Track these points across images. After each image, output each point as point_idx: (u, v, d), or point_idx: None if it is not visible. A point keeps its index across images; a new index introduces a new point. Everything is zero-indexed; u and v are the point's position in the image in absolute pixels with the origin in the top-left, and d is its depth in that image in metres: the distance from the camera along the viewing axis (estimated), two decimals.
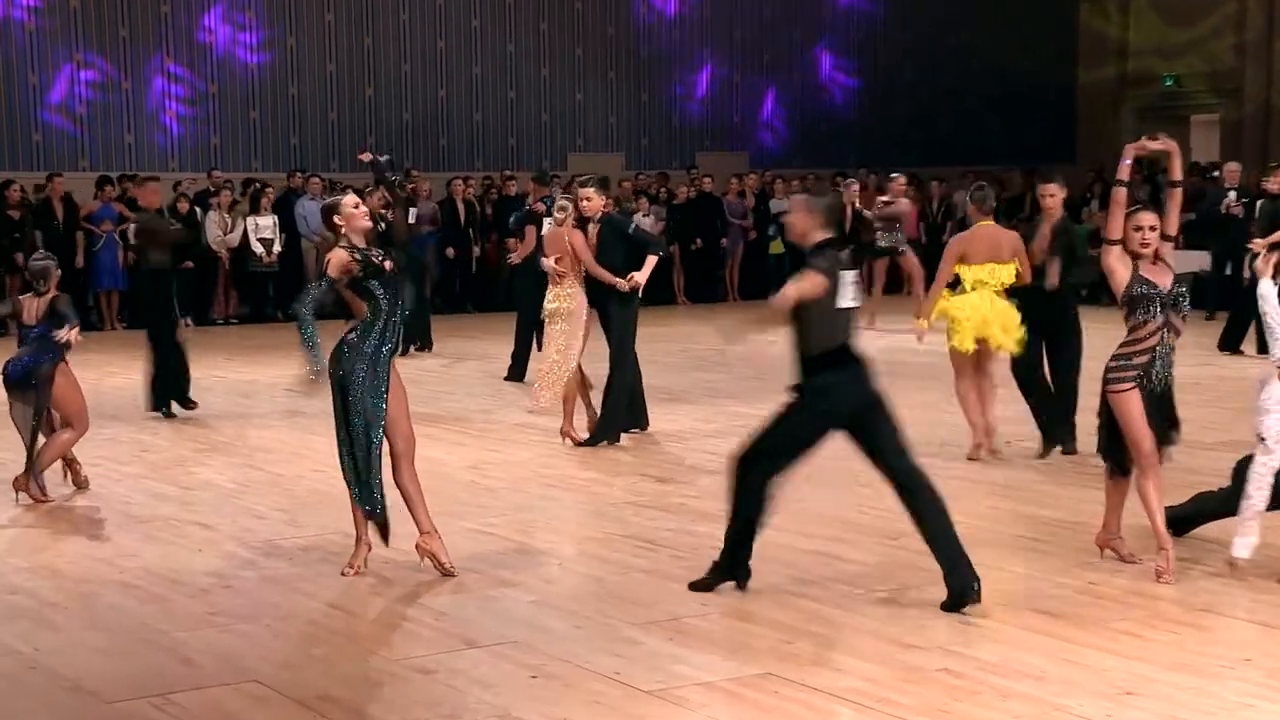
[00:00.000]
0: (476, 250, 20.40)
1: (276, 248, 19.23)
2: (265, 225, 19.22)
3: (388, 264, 6.82)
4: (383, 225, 6.99)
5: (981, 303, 9.38)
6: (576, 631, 6.05)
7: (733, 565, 6.55)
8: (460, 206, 20.22)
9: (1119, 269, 6.74)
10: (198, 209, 18.95)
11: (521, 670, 5.59)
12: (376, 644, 5.97)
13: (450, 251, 20.05)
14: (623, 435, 10.30)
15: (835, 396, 6.40)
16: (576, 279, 10.14)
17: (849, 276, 6.34)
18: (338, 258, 6.78)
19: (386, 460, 6.86)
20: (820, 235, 6.40)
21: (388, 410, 6.78)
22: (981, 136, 24.99)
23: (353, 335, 6.79)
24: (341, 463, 6.81)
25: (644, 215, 20.70)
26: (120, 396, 12.26)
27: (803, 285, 6.24)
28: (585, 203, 10.16)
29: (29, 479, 8.63)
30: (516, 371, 13.38)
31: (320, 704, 5.24)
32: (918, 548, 7.36)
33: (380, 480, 6.79)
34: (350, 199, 7.02)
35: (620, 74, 23.86)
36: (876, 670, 5.52)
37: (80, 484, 8.99)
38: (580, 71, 23.51)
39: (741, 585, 6.54)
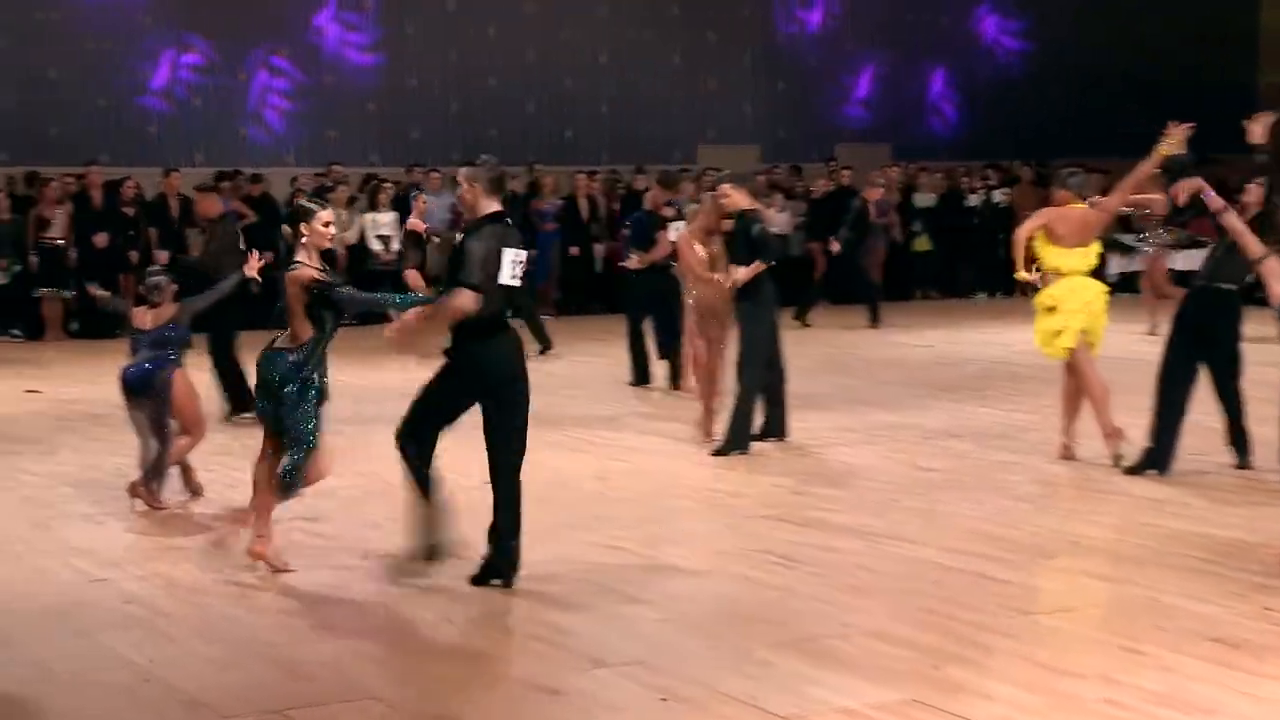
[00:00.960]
0: (601, 249, 20.47)
1: (395, 245, 19.49)
2: (384, 222, 19.50)
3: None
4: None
5: (1083, 295, 9.52)
6: (708, 652, 6.05)
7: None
8: (583, 203, 20.33)
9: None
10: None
11: (650, 692, 5.60)
12: (499, 662, 6.02)
13: (574, 250, 20.17)
14: (758, 444, 10.28)
15: (484, 366, 6.80)
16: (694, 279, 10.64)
17: (511, 254, 6.76)
18: (306, 274, 7.12)
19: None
20: (488, 207, 6.83)
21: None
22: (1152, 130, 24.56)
23: (293, 356, 7.21)
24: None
25: (778, 211, 20.64)
26: None
27: (460, 300, 6.68)
28: (724, 199, 10.22)
29: (145, 485, 8.86)
30: (640, 375, 13.44)
31: None
32: (1078, 567, 7.25)
33: None
34: (325, 214, 7.32)
35: (755, 60, 23.80)
36: (1030, 698, 5.44)
37: (195, 490, 9.21)
38: (712, 57, 23.50)
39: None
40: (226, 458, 10.26)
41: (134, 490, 8.90)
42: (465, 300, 6.66)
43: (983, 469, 9.67)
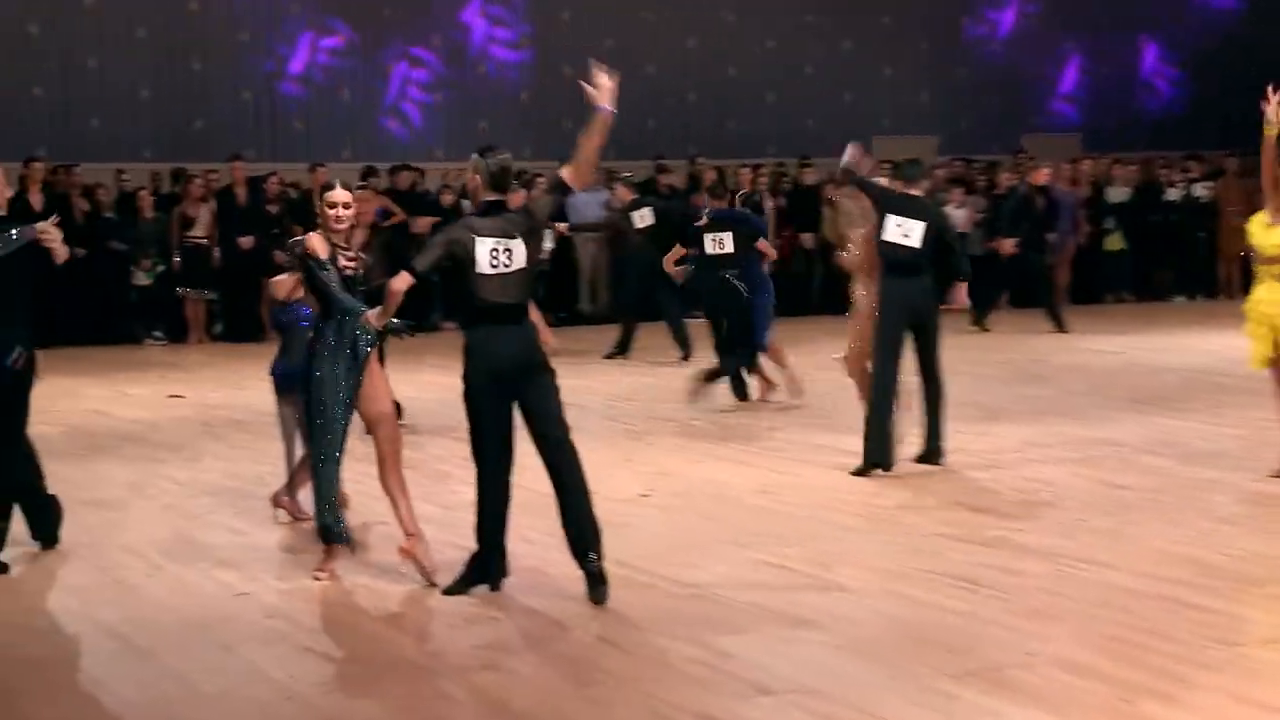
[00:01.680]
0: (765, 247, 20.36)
1: (548, 243, 19.66)
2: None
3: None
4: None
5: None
6: (884, 681, 5.99)
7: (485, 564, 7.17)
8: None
9: None
10: (464, 202, 19.51)
11: None
12: (656, 686, 6.02)
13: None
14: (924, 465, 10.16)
15: (481, 355, 7.03)
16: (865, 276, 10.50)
17: (490, 243, 6.96)
18: (310, 244, 7.39)
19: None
20: (487, 196, 7.08)
21: (365, 408, 7.53)
22: None
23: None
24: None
25: (957, 208, 20.43)
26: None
27: (396, 282, 6.98)
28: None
29: (289, 494, 9.03)
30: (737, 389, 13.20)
31: None
32: None
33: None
34: (337, 194, 7.48)
35: (935, 44, 23.58)
36: None
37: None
38: (887, 43, 23.33)
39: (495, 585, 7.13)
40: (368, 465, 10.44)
41: (277, 500, 9.08)
42: (396, 281, 6.98)
43: (1182, 487, 9.45)
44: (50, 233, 7.64)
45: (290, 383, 8.76)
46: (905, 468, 10.09)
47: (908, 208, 9.93)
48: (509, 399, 7.11)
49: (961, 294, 10.37)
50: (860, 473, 9.88)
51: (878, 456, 9.89)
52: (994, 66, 23.79)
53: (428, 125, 21.52)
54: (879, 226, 9.99)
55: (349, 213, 7.47)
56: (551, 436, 7.11)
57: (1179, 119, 24.38)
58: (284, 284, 8.97)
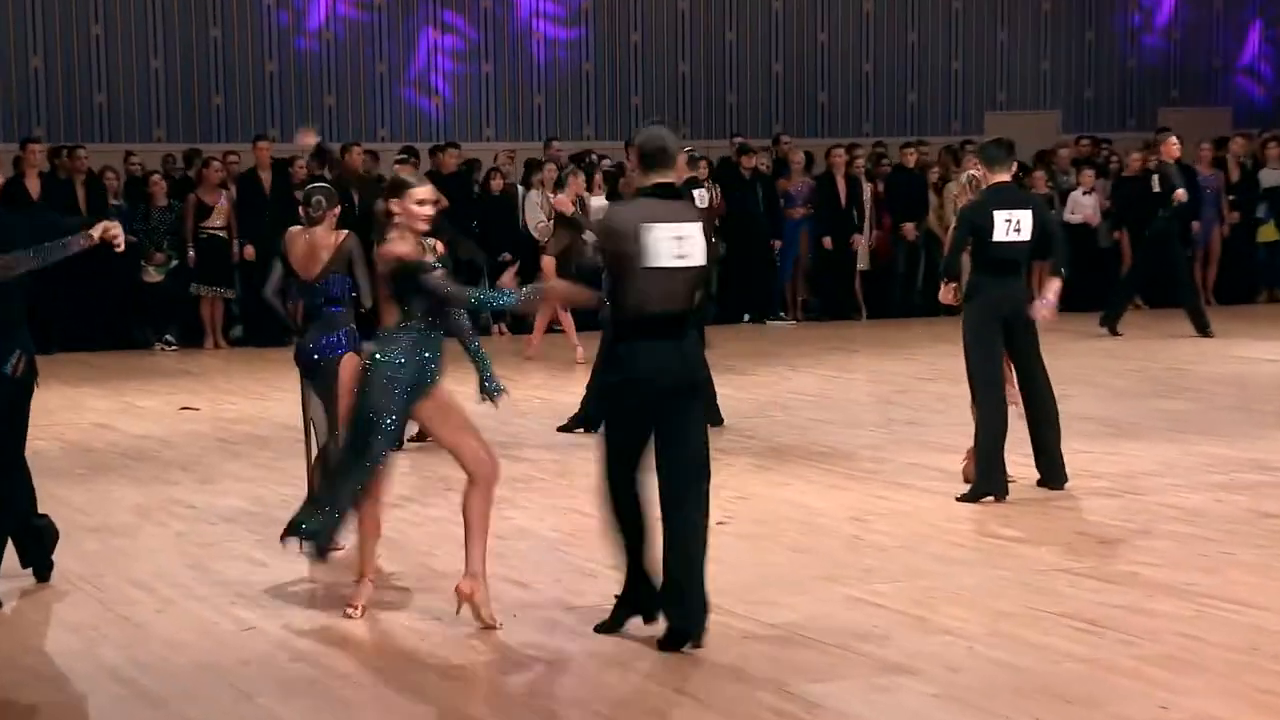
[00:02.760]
0: (862, 240, 20.36)
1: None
2: (598, 207, 19.73)
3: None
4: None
5: None
6: None
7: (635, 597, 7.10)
8: (841, 183, 20.28)
9: None
10: (520, 187, 19.63)
11: None
12: None
13: (827, 241, 20.15)
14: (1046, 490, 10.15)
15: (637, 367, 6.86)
16: None
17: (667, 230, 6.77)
18: (394, 250, 7.33)
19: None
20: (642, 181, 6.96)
21: (445, 435, 7.53)
22: None
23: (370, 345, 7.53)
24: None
25: (1084, 193, 20.34)
26: None
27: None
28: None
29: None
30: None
31: None
32: None
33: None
34: (422, 190, 7.44)
35: (1057, 5, 23.49)
36: None
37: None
38: (1003, 4, 23.27)
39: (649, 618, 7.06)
40: (418, 482, 10.51)
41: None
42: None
43: None
44: (110, 229, 7.81)
45: (315, 365, 9.03)
46: (1021, 492, 10.08)
47: (1007, 199, 9.93)
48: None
49: (1052, 298, 10.06)
50: (969, 499, 9.88)
51: (989, 485, 9.87)
52: (1126, 29, 23.65)
53: (465, 102, 21.62)
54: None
55: (434, 210, 7.49)
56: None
57: None
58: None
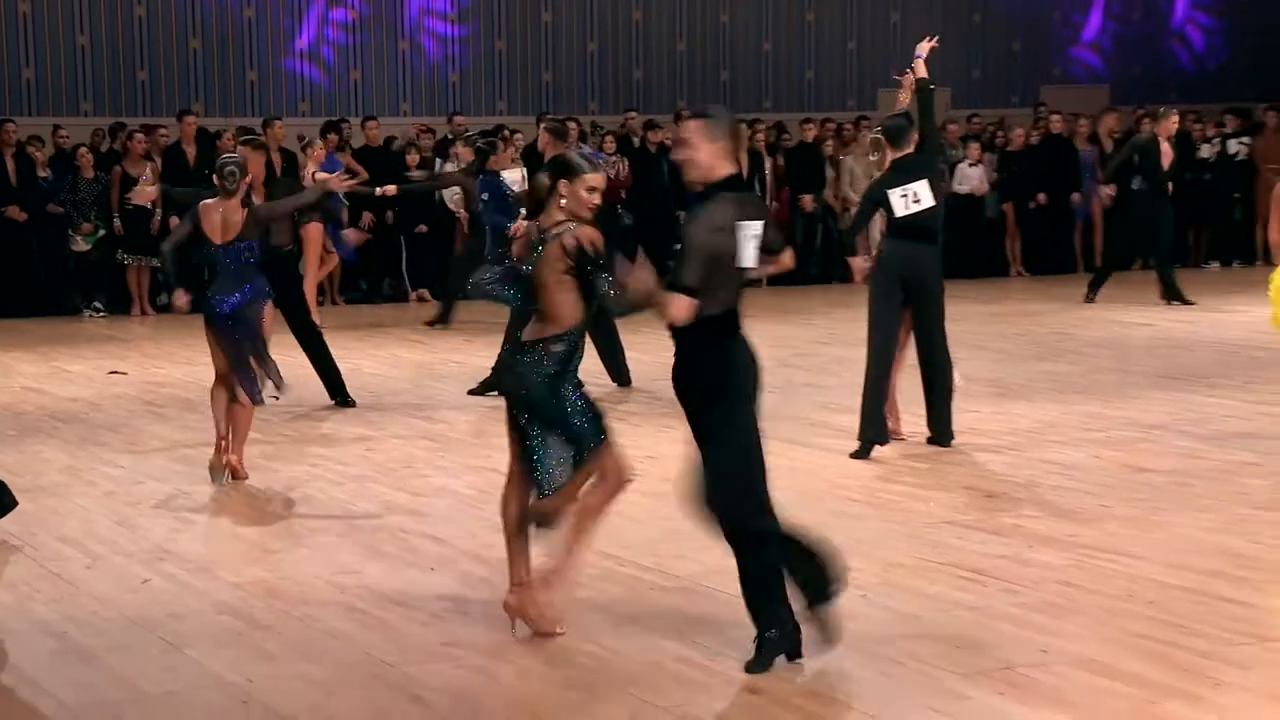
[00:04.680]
0: None
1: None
2: (512, 179, 19.63)
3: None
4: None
5: None
6: (884, 680, 6.04)
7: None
8: (743, 156, 20.29)
9: None
10: (439, 161, 19.50)
11: None
12: (641, 687, 6.06)
13: None
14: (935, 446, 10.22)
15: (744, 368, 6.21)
16: None
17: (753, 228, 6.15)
18: (588, 233, 6.50)
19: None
20: (724, 170, 6.20)
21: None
22: None
23: (557, 347, 6.57)
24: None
25: (971, 165, 20.47)
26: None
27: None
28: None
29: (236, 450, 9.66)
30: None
31: None
32: None
33: None
34: (597, 178, 6.63)
35: None
36: None
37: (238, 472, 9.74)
38: None
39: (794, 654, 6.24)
40: (337, 445, 10.47)
41: (224, 463, 9.62)
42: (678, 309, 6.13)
43: (1213, 471, 9.51)
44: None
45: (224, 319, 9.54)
46: (911, 449, 10.16)
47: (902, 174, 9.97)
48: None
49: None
50: (859, 454, 9.93)
51: (874, 433, 9.96)
52: (1011, 11, 23.80)
53: (416, 74, 21.46)
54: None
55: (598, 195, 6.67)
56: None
57: (1214, 70, 24.43)
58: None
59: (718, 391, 6.19)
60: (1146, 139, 17.73)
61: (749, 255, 6.18)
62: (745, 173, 20.01)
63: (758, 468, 6.19)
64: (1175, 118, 17.90)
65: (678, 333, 6.17)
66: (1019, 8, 23.86)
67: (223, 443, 9.65)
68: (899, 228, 9.96)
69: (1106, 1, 24.23)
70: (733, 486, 6.15)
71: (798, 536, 6.28)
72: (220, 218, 9.56)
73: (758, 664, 6.13)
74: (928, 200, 9.88)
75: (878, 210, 10.11)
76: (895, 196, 9.88)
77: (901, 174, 9.94)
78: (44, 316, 18.01)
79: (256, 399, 9.64)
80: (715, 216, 6.14)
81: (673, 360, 6.26)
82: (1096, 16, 24.24)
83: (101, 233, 18.33)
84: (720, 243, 6.08)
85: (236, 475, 9.65)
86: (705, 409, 6.18)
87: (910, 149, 9.98)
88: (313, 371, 12.27)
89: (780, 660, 6.17)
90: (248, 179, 9.79)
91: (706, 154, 6.19)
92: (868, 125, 20.62)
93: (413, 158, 19.23)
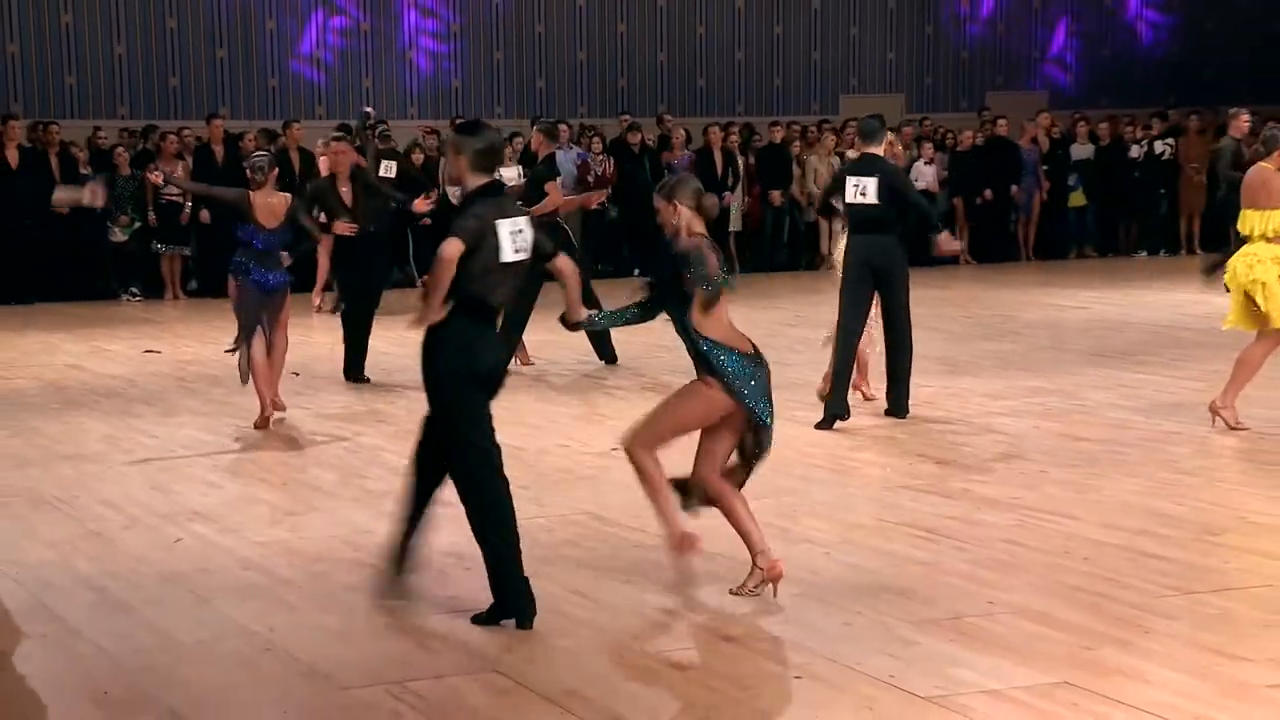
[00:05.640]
0: (733, 200, 20.32)
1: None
2: (509, 177, 19.58)
3: None
4: None
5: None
6: (845, 629, 6.03)
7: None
8: (718, 156, 20.24)
9: None
10: (442, 159, 19.41)
11: (784, 669, 5.60)
12: (627, 636, 6.06)
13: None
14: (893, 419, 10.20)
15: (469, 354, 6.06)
16: None
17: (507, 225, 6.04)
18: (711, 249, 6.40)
19: None
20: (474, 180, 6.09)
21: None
22: None
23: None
24: None
25: (925, 163, 20.45)
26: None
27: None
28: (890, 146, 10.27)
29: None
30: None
31: (567, 699, 5.35)
32: (1247, 545, 7.14)
33: None
34: (712, 199, 6.59)
35: (902, 3, 23.55)
36: (1193, 684, 5.36)
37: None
38: (855, 2, 23.29)
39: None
40: (352, 416, 10.42)
41: (273, 410, 10.22)
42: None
43: (1143, 440, 9.52)
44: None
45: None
46: (869, 421, 10.14)
47: (860, 168, 9.97)
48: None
49: (947, 242, 10.35)
50: (823, 425, 9.92)
51: (838, 408, 9.95)
52: (958, 23, 23.76)
53: (421, 81, 21.35)
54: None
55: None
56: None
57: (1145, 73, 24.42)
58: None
59: (456, 377, 6.06)
60: (1233, 140, 17.28)
61: (508, 250, 6.05)
62: (720, 171, 19.99)
63: (478, 458, 6.11)
64: (1246, 116, 17.41)
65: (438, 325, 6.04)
66: (963, 18, 23.81)
67: (266, 404, 10.18)
68: (855, 221, 9.96)
69: (1069, 18, 24.18)
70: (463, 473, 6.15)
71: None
72: (267, 206, 10.05)
73: (487, 617, 6.13)
74: (872, 197, 9.83)
75: (839, 190, 10.12)
76: (850, 183, 9.91)
77: (860, 167, 9.96)
78: (85, 301, 17.94)
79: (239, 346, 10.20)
80: (476, 210, 6.03)
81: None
82: (1061, 32, 24.19)
83: (137, 225, 18.30)
84: (479, 230, 5.97)
85: (277, 407, 10.34)
86: (438, 393, 6.08)
87: (878, 149, 9.95)
88: (334, 352, 12.26)
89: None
90: (274, 172, 10.25)
91: (456, 166, 6.12)
92: (829, 127, 20.60)
93: (417, 156, 19.16)
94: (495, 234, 6.02)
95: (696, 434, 6.52)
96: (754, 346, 6.50)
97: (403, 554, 6.44)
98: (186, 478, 8.96)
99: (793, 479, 8.65)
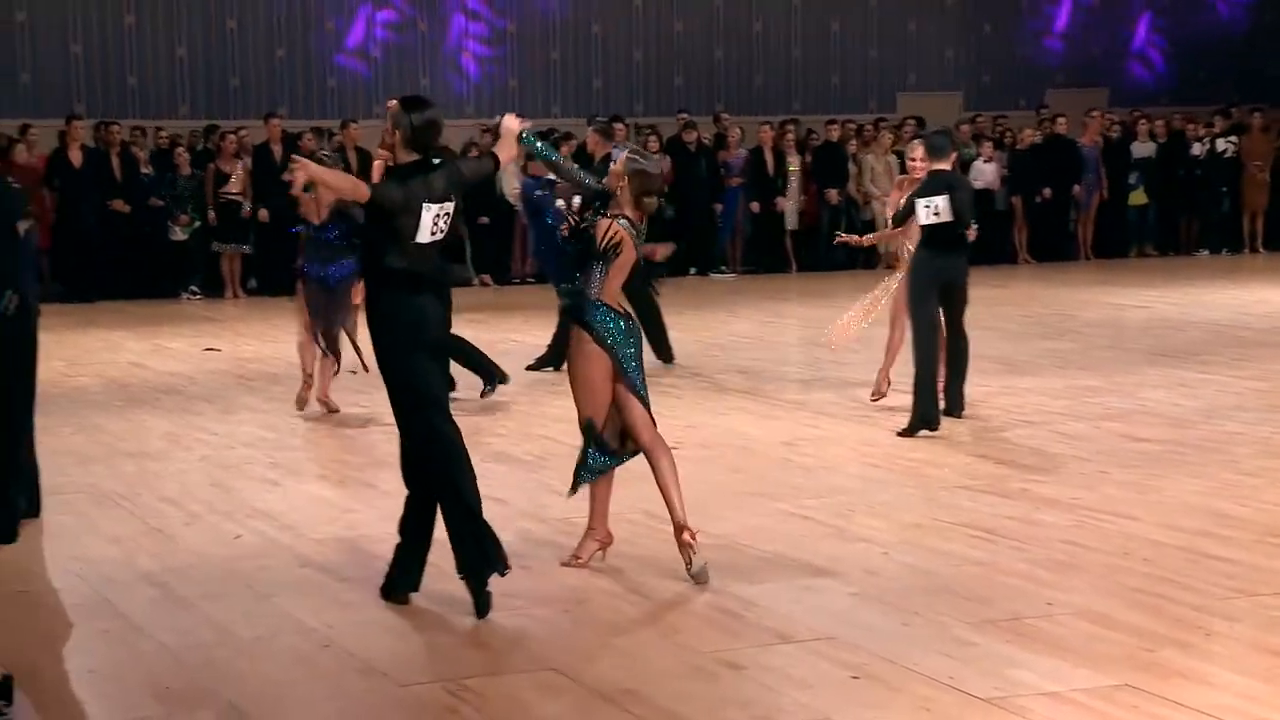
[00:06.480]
0: (787, 203, 20.26)
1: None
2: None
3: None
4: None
5: None
6: (902, 629, 6.01)
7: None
8: (769, 156, 20.19)
9: None
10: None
11: (841, 670, 5.58)
12: (683, 635, 6.05)
13: (754, 206, 20.09)
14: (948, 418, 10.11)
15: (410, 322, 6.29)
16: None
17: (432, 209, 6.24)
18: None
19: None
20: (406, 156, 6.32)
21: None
22: None
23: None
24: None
25: (985, 162, 20.34)
26: None
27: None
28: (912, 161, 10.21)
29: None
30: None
31: (622, 697, 5.35)
32: None
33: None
34: (653, 203, 6.90)
35: (961, 1, 23.43)
36: (1256, 687, 5.30)
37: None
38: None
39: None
40: None
41: (307, 399, 10.49)
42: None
43: (1205, 440, 9.43)
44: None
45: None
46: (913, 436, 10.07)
47: (929, 187, 9.83)
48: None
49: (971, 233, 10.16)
50: (907, 433, 9.74)
51: (924, 417, 9.76)
52: (1018, 21, 23.62)
53: (476, 81, 21.42)
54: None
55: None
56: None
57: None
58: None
59: (405, 345, 6.28)
60: None
61: (425, 232, 6.26)
62: (771, 169, 19.93)
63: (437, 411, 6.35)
64: None
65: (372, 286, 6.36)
66: (1025, 17, 23.66)
67: (309, 380, 10.50)
68: (926, 237, 9.86)
69: (1152, 14, 24.00)
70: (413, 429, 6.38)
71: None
72: (314, 201, 10.20)
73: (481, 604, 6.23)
74: (946, 214, 9.71)
75: (910, 214, 10.00)
76: (920, 206, 9.79)
77: (929, 187, 9.81)
78: (147, 299, 18.09)
79: (328, 356, 10.43)
80: (405, 185, 6.23)
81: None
82: (1075, 21, 24.00)
83: (197, 224, 18.43)
84: (403, 200, 6.18)
85: (330, 409, 10.57)
86: (389, 361, 6.33)
87: (946, 165, 9.83)
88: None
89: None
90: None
91: (390, 137, 6.36)
92: (886, 125, 20.51)
93: (474, 155, 19.20)
94: (417, 214, 6.22)
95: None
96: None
97: (404, 568, 6.50)
98: (246, 475, 9.02)
99: (849, 478, 8.62)
